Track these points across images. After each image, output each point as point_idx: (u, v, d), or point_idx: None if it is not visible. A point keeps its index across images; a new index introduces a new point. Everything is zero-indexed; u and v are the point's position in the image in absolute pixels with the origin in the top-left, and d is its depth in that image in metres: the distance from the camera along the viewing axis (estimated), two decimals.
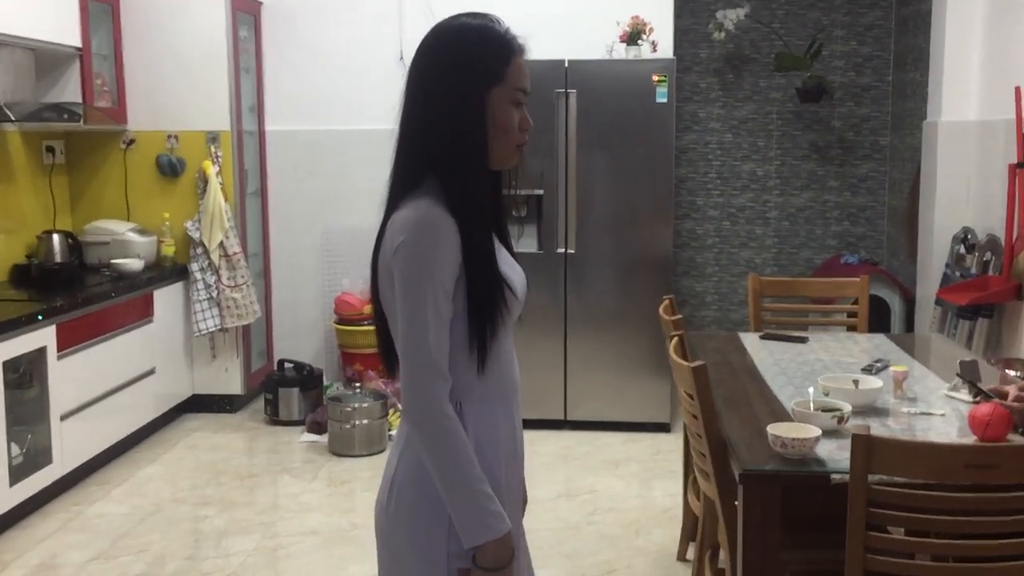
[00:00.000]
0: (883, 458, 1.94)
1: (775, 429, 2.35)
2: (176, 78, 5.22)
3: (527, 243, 5.15)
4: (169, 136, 5.24)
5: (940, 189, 5.04)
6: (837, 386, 2.72)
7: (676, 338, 2.86)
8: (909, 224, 5.92)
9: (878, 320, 5.95)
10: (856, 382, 2.75)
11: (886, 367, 3.13)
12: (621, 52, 5.18)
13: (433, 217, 1.58)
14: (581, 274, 5.10)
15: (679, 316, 3.23)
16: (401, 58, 5.59)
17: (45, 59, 4.70)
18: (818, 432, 2.33)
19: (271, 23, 5.67)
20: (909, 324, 5.95)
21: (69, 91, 4.80)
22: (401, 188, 1.65)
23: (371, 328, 5.32)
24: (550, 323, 5.13)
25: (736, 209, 7.00)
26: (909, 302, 5.92)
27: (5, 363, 3.85)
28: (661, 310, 3.35)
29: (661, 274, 5.12)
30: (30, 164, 4.98)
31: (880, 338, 3.66)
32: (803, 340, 3.60)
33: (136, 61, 5.22)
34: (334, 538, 3.86)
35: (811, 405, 2.57)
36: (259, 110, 5.70)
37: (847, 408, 2.54)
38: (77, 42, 4.74)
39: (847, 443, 2.04)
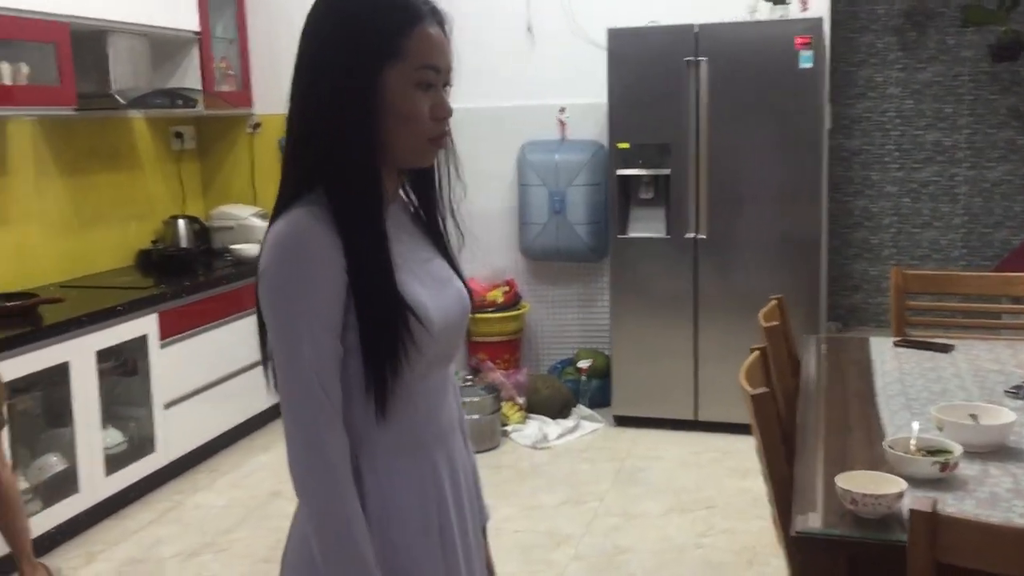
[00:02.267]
0: (954, 543, 1.45)
1: (846, 480, 1.87)
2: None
3: (653, 227, 4.70)
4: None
5: None
6: (953, 419, 2.18)
7: (756, 353, 2.39)
8: None
9: None
10: (975, 416, 2.19)
11: None
12: (765, 13, 4.61)
13: (302, 232, 1.26)
14: (714, 261, 4.61)
15: (775, 323, 2.74)
16: (529, 30, 5.25)
17: (164, 45, 4.70)
18: (902, 487, 1.84)
19: None
20: None
21: (189, 77, 4.79)
22: (283, 198, 1.33)
23: (496, 315, 5.06)
24: (679, 314, 4.67)
25: (918, 184, 6.21)
26: None
27: (107, 351, 3.87)
28: (761, 314, 2.86)
29: (808, 259, 4.54)
30: (158, 150, 5.04)
31: None
32: (946, 349, 3.00)
33: (261, 44, 5.17)
34: None
35: (912, 444, 2.06)
36: None
37: (956, 451, 2.01)
38: (195, 27, 4.72)
39: (953, 497, 1.57)
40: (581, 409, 4.98)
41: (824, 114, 4.71)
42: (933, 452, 2.04)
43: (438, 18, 1.34)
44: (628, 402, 4.82)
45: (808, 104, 4.40)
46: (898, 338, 3.19)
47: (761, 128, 4.46)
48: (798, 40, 4.32)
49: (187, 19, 4.67)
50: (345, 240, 1.26)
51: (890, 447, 2.05)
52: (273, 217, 1.32)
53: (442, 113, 1.33)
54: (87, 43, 4.15)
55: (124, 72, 4.35)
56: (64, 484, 3.71)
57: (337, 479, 1.25)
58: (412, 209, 1.46)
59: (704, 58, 4.46)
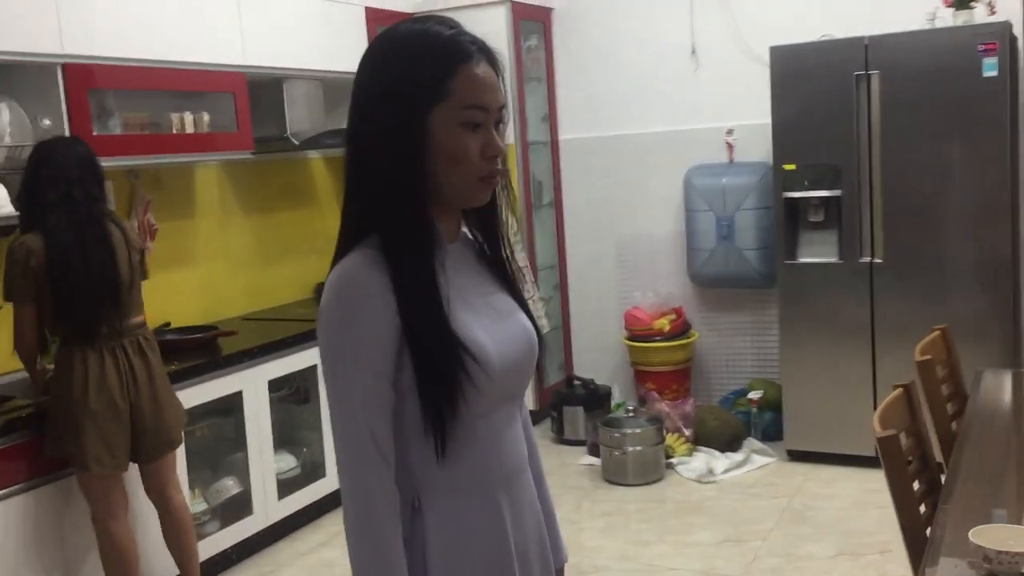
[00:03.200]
0: None
1: (981, 535, 1.69)
2: None
3: (824, 252, 4.46)
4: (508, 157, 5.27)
5: None
6: None
7: (898, 391, 2.20)
8: None
9: None
10: None
11: None
12: (947, 20, 4.30)
13: (352, 276, 1.27)
14: (892, 286, 4.31)
15: (928, 357, 2.52)
16: (693, 52, 5.15)
17: (337, 89, 4.94)
18: None
19: (562, 28, 5.50)
20: None
21: None
22: (341, 244, 1.35)
23: (663, 344, 4.98)
24: (854, 343, 4.39)
25: None
26: None
27: (279, 380, 4.09)
28: (919, 347, 2.64)
29: (1000, 284, 4.17)
30: (335, 188, 5.29)
31: None
32: None
33: None
34: None
35: None
36: (551, 119, 5.57)
37: None
38: None
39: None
40: (752, 442, 4.77)
41: (1018, 123, 4.33)
42: None
43: (488, 57, 1.33)
44: (801, 435, 4.58)
45: (994, 114, 4.05)
46: None
47: (940, 143, 4.15)
48: (981, 46, 4.00)
49: (354, 62, 4.88)
50: (396, 282, 1.27)
51: None
52: (333, 263, 1.35)
53: (492, 152, 1.32)
54: (265, 90, 4.42)
55: (299, 116, 4.60)
56: (239, 506, 3.93)
57: (378, 529, 1.26)
58: (476, 246, 1.45)
59: (876, 71, 4.20)
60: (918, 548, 1.89)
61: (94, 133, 3.51)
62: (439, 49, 1.30)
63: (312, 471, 4.29)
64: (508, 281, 1.45)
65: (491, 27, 5.10)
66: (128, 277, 3.13)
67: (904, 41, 4.18)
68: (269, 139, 4.47)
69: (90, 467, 3.00)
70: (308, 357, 4.17)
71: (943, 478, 2.20)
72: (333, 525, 4.25)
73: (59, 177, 2.99)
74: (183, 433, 3.39)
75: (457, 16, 5.59)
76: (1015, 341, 4.29)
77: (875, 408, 4.32)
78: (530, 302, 5.05)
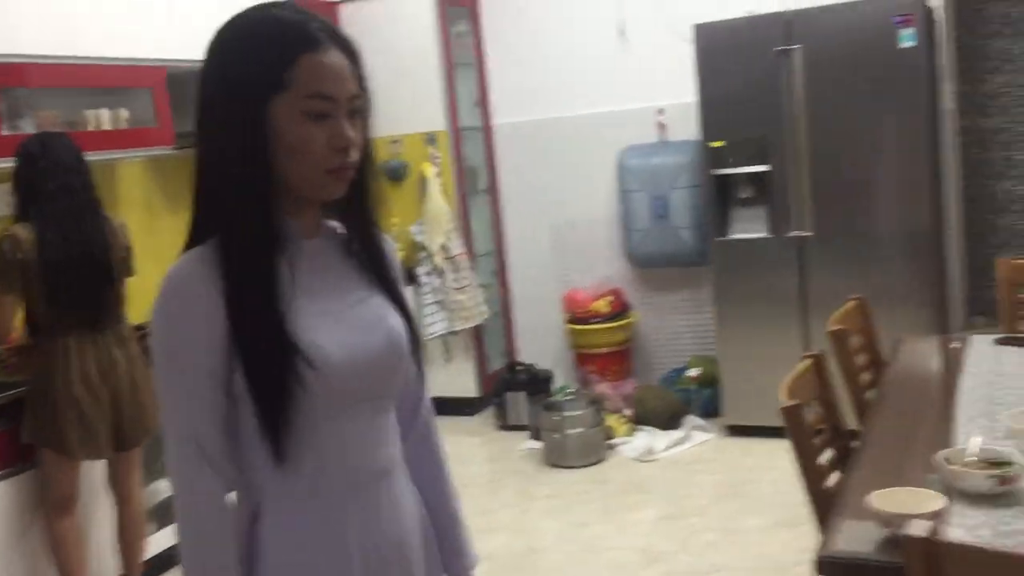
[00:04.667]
0: (956, 574, 1.28)
1: (881, 499, 1.70)
2: (393, 82, 5.17)
3: (755, 226, 4.49)
4: (392, 141, 5.24)
5: None
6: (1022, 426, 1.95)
7: (807, 360, 2.21)
8: None
9: None
10: None
11: None
12: None
13: (181, 276, 1.22)
14: (821, 259, 4.35)
15: (839, 327, 2.54)
16: (622, 32, 5.14)
17: None
18: (938, 504, 1.65)
19: (490, 12, 5.47)
20: None
21: None
22: (190, 240, 1.29)
23: (603, 326, 4.97)
24: (787, 316, 4.43)
25: None
26: None
27: None
28: (832, 317, 2.66)
29: (931, 252, 4.24)
30: None
31: None
32: None
33: None
34: (508, 566, 3.59)
35: (970, 456, 1.86)
36: (484, 104, 5.53)
37: (1020, 463, 1.80)
38: None
39: (1011, 514, 1.40)
40: (692, 419, 4.81)
41: (940, 93, 4.39)
42: (996, 464, 1.83)
43: (339, 44, 1.26)
44: (739, 411, 4.61)
45: (914, 85, 4.10)
46: (1003, 335, 2.90)
47: (864, 115, 4.20)
48: (897, 18, 4.03)
49: None
50: (226, 281, 1.22)
51: (945, 459, 1.85)
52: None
53: (340, 143, 1.25)
54: (186, 85, 4.34)
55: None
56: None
57: (203, 533, 1.23)
58: (344, 242, 1.38)
59: (798, 46, 4.23)
60: (824, 514, 1.91)
61: (3, 133, 3.42)
62: (281, 36, 1.24)
63: None
64: (382, 277, 1.39)
65: (417, 13, 5.07)
66: (117, 268, 3.24)
67: (824, 15, 4.21)
68: (190, 134, 4.38)
69: (72, 452, 3.08)
70: None
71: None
72: None
73: (58, 167, 3.10)
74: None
75: (383, 3, 5.57)
76: (941, 308, 4.35)
77: None
78: (469, 289, 4.97)
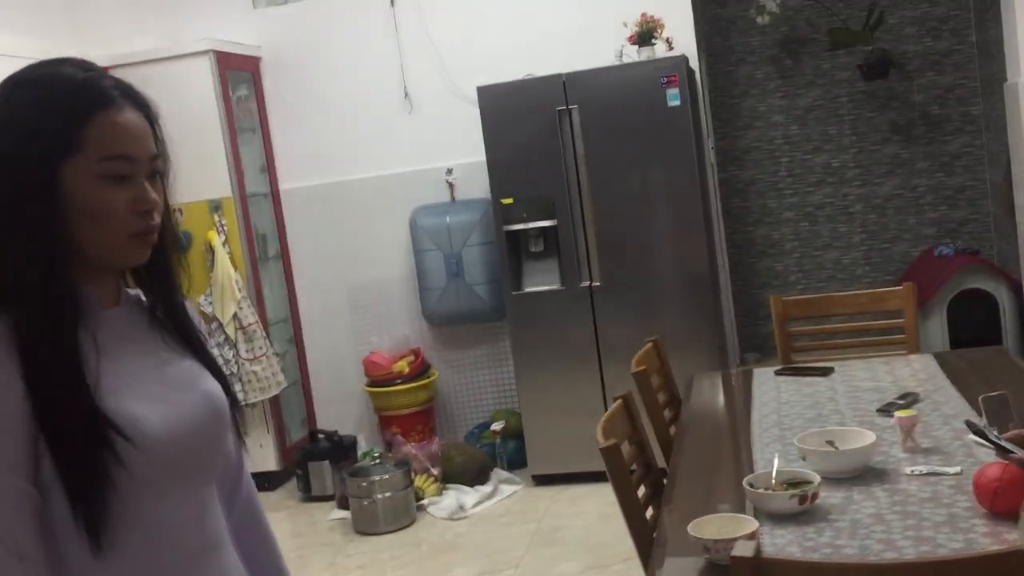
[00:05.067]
0: None
1: (698, 526, 1.80)
2: (173, 148, 4.99)
3: (547, 279, 4.65)
4: (173, 210, 5.02)
5: None
6: (812, 447, 2.12)
7: (619, 401, 2.32)
8: (1008, 202, 5.09)
9: (986, 321, 5.14)
10: (831, 441, 2.13)
11: (912, 404, 2.50)
12: (633, 56, 4.65)
13: None
14: (611, 307, 4.56)
15: (642, 368, 2.68)
16: (406, 96, 5.23)
17: None
18: (752, 527, 1.76)
19: (272, 77, 5.41)
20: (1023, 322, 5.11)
21: None
22: None
23: (404, 387, 4.92)
24: (583, 365, 4.59)
25: (814, 207, 6.28)
26: (1020, 294, 5.08)
27: None
28: (634, 359, 2.79)
29: (704, 295, 4.51)
30: None
31: (926, 360, 2.98)
32: (826, 372, 2.96)
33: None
34: None
35: (772, 479, 1.99)
36: (270, 170, 5.44)
37: (815, 481, 1.95)
38: None
39: (813, 529, 1.49)
40: (499, 473, 4.85)
41: (704, 148, 4.74)
42: (795, 484, 1.97)
43: (135, 102, 1.22)
44: (544, 460, 4.71)
45: (681, 140, 4.41)
46: (781, 367, 3.15)
47: (638, 169, 4.47)
48: (664, 79, 4.35)
49: None
50: (24, 360, 1.12)
51: (749, 484, 1.98)
52: None
53: (144, 206, 1.19)
54: None
55: None
56: None
57: None
58: (149, 309, 1.32)
59: (575, 106, 4.46)
60: (647, 551, 1.98)
61: None
62: (70, 94, 1.17)
63: None
64: (191, 342, 1.33)
65: (197, 78, 4.93)
66: None
67: (597, 77, 4.46)
68: None
69: None
70: None
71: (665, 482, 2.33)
72: None
73: None
74: None
75: (160, 68, 5.39)
76: (719, 346, 4.65)
77: None
78: (264, 359, 4.78)
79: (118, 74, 4.24)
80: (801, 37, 6.10)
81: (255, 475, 5.14)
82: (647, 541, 1.98)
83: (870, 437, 2.13)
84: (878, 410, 2.50)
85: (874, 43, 5.66)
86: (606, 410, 4.53)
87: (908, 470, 2.07)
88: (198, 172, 4.99)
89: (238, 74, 5.21)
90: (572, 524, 4.22)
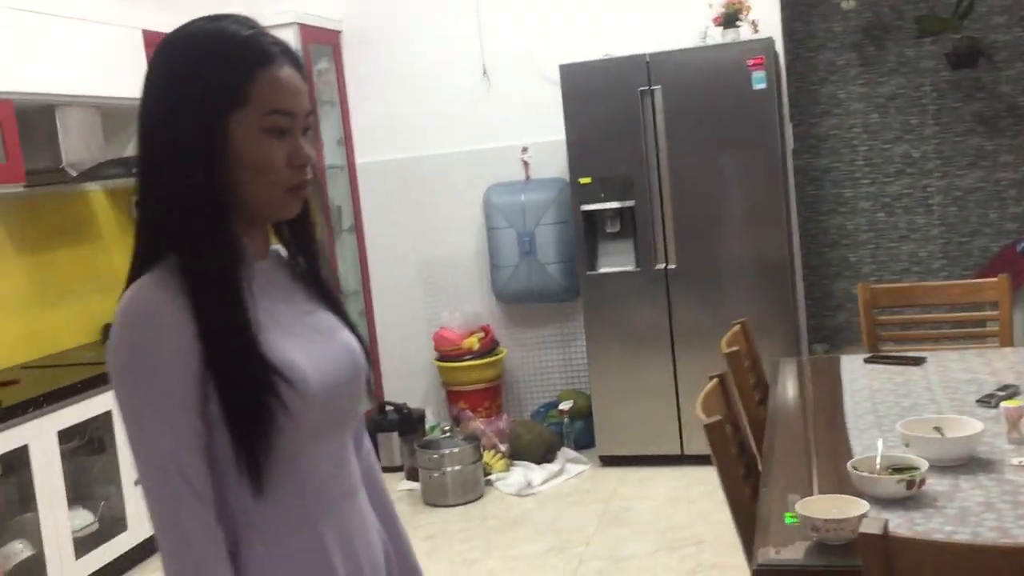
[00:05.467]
0: (909, 566, 1.35)
1: (806, 506, 1.78)
2: None
3: (623, 261, 4.64)
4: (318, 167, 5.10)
5: None
6: (919, 433, 2.09)
7: (715, 380, 2.30)
8: None
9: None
10: (939, 428, 2.10)
11: (1014, 395, 2.44)
12: (717, 37, 4.59)
13: (144, 303, 1.15)
14: (686, 291, 4.53)
15: (735, 348, 2.66)
16: (484, 73, 5.23)
17: (116, 115, 4.66)
18: (863, 509, 1.75)
19: (352, 51, 5.45)
20: None
21: None
22: (135, 265, 1.23)
23: (474, 363, 4.96)
24: (656, 347, 4.57)
25: (891, 198, 6.16)
26: None
27: (69, 430, 3.78)
28: (724, 340, 2.78)
29: (780, 282, 4.46)
30: (119, 222, 4.97)
31: (1020, 353, 2.91)
32: (918, 362, 2.91)
33: None
34: None
35: (877, 464, 1.97)
36: (347, 143, 5.49)
37: (923, 467, 1.92)
38: None
39: (922, 515, 1.48)
40: (566, 452, 4.86)
41: (785, 133, 4.67)
42: (900, 470, 1.95)
43: (291, 59, 1.25)
44: (613, 441, 4.71)
45: (765, 125, 4.36)
46: (869, 355, 3.11)
47: (720, 152, 4.42)
48: (750, 61, 4.29)
49: (136, 87, 4.61)
50: (195, 305, 1.16)
51: (854, 468, 1.96)
52: (124, 290, 1.21)
53: (300, 160, 1.23)
54: (36, 118, 4.10)
55: (75, 145, 4.29)
56: (32, 571, 3.59)
57: (202, 571, 1.14)
58: (290, 264, 1.36)
59: (658, 87, 4.42)
60: (748, 530, 1.97)
61: None
62: (237, 50, 1.21)
63: (112, 526, 3.98)
64: (328, 298, 1.37)
65: None
66: None
67: (682, 57, 4.42)
68: (42, 171, 4.14)
69: None
70: (100, 403, 3.87)
71: (759, 463, 2.31)
72: None
73: None
74: None
75: None
76: (790, 335, 4.58)
77: (678, 409, 4.53)
78: None
79: None
80: (885, 24, 5.97)
81: None
82: (749, 521, 1.97)
83: (977, 426, 2.09)
84: (978, 401, 2.45)
85: (963, 31, 5.52)
86: (677, 394, 4.55)
87: (1015, 461, 2.03)
88: None
89: (320, 47, 5.25)
90: (641, 506, 4.22)
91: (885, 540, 1.35)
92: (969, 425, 2.10)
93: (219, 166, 1.19)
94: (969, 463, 2.04)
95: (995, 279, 3.23)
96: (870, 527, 1.36)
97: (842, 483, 2.01)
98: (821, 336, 6.27)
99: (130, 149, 4.73)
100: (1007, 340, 3.17)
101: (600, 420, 4.72)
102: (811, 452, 2.22)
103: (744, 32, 4.56)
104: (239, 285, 1.20)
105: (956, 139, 5.97)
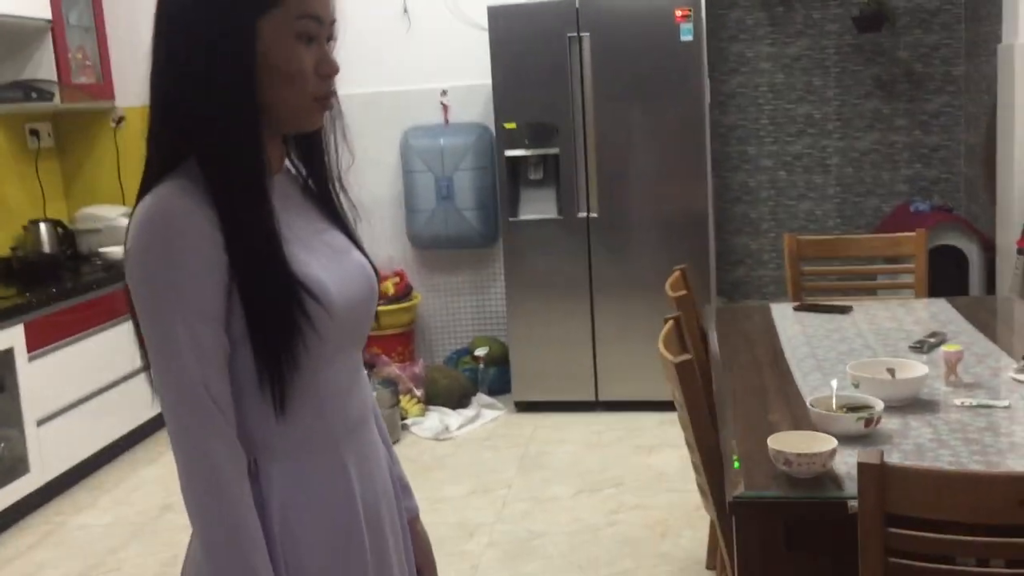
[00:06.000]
0: (903, 493, 1.42)
1: (777, 441, 1.84)
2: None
3: (544, 208, 4.65)
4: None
5: (1020, 121, 4.36)
6: (869, 375, 2.18)
7: (671, 322, 2.34)
8: (988, 163, 5.23)
9: (956, 276, 5.30)
10: (892, 370, 2.20)
11: (942, 343, 2.58)
12: None
13: (169, 208, 1.10)
14: (607, 239, 4.58)
15: (683, 292, 2.71)
16: (405, 12, 5.11)
17: (13, 34, 4.36)
18: (832, 444, 1.82)
19: None
20: (990, 280, 5.27)
21: (44, 68, 4.46)
22: (149, 176, 1.17)
23: (387, 308, 4.89)
24: (574, 295, 4.62)
25: (792, 157, 6.35)
26: (991, 253, 5.24)
27: None
28: (668, 284, 2.83)
29: (697, 235, 4.57)
30: (12, 150, 4.67)
31: (941, 304, 3.07)
32: (845, 311, 3.04)
33: (120, 32, 4.85)
34: None
35: (833, 403, 2.05)
36: None
37: (878, 407, 2.01)
38: (47, 14, 4.39)
39: (886, 451, 1.54)
40: (481, 398, 4.89)
41: (705, 88, 4.75)
42: (854, 409, 2.03)
43: None
44: (528, 387, 4.76)
45: (690, 78, 4.42)
46: (797, 303, 3.22)
47: (646, 103, 4.46)
48: (678, 13, 4.33)
49: (36, 6, 4.33)
50: (222, 214, 1.11)
51: (812, 406, 2.03)
52: (139, 198, 1.16)
53: (328, 69, 1.20)
54: None
55: None
56: None
57: (225, 489, 1.10)
58: (301, 180, 1.32)
59: (586, 34, 4.42)
60: (715, 467, 2.03)
61: None
62: None
63: (12, 468, 3.79)
64: (338, 218, 1.33)
65: None
66: None
67: (610, 4, 4.41)
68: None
69: None
70: (2, 340, 3.67)
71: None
72: (41, 524, 3.80)
73: None
74: None
75: None
76: (708, 286, 4.69)
77: (594, 356, 4.59)
78: None
79: None
80: None
81: None
82: (714, 459, 2.02)
83: (922, 369, 2.20)
84: (911, 347, 2.58)
85: None
86: (593, 342, 4.61)
87: (958, 402, 2.14)
88: None
89: None
90: (559, 450, 4.28)
91: (882, 469, 1.40)
92: (916, 368, 2.21)
93: (253, 65, 1.14)
94: (913, 404, 2.14)
95: (913, 234, 3.38)
96: (868, 457, 1.41)
97: (797, 421, 2.09)
98: (721, 289, 6.46)
99: (30, 71, 4.44)
100: (921, 292, 3.33)
101: (516, 366, 4.75)
102: (761, 393, 2.29)
103: None
104: (268, 195, 1.16)
105: (855, 102, 6.19)
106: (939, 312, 2.96)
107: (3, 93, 4.09)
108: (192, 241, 1.09)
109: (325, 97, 1.21)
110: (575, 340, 4.65)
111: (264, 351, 1.13)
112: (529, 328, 4.69)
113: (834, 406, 2.04)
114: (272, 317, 1.12)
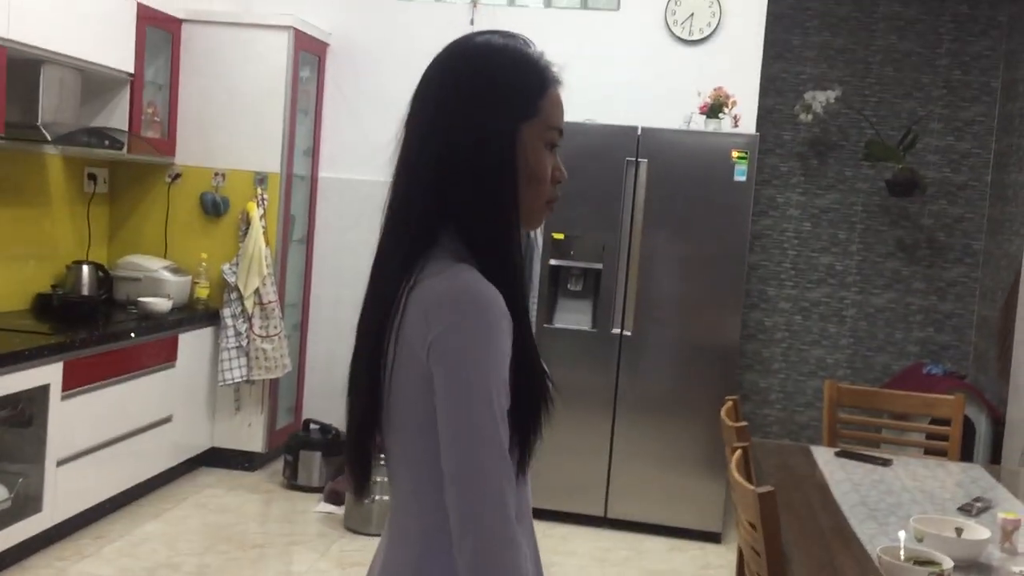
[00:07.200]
0: None
1: None
2: (230, 114, 4.98)
3: (580, 320, 4.74)
4: (216, 173, 4.99)
5: None
6: (934, 531, 2.25)
7: (739, 451, 2.41)
8: (1002, 337, 5.39)
9: (962, 443, 5.39)
10: (959, 529, 2.27)
11: (987, 508, 2.65)
12: (700, 124, 4.82)
13: (486, 292, 1.23)
14: (636, 358, 4.67)
15: (744, 423, 2.79)
16: None
17: (94, 82, 4.50)
18: None
19: (335, 65, 5.43)
20: (996, 450, 5.37)
21: (116, 118, 4.59)
22: (412, 246, 1.30)
23: None
24: (597, 408, 4.68)
25: (810, 304, 6.52)
26: (997, 424, 5.35)
27: (1, 399, 3.56)
28: (723, 412, 2.90)
29: (724, 367, 4.66)
30: (69, 191, 4.76)
31: (976, 470, 3.16)
32: (886, 463, 3.11)
33: (191, 93, 5.00)
34: None
35: (901, 554, 2.11)
36: (314, 154, 5.44)
37: (947, 564, 2.07)
38: (130, 68, 4.53)
39: None
40: None
41: (748, 229, 4.92)
42: (922, 563, 2.09)
43: (560, 82, 1.35)
44: (538, 494, 4.74)
45: (738, 216, 4.58)
46: (837, 449, 3.29)
47: (692, 233, 4.61)
48: (735, 153, 4.52)
49: (123, 59, 4.48)
50: (511, 305, 1.25)
51: (882, 555, 2.09)
52: (405, 264, 1.29)
53: (561, 176, 1.35)
54: (19, 72, 3.91)
55: (53, 105, 4.11)
56: None
57: (519, 546, 1.21)
58: None
59: (644, 159, 4.59)
60: None
61: None
62: (536, 66, 1.32)
63: (26, 505, 3.75)
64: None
65: (272, 51, 4.93)
66: None
67: (672, 136, 4.61)
68: (17, 125, 3.95)
69: None
70: (34, 376, 3.67)
71: None
72: (43, 568, 3.73)
73: None
74: None
75: (238, 34, 5.52)
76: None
77: (609, 471, 4.62)
78: (276, 339, 4.84)
79: (187, 30, 4.53)
80: (830, 141, 6.38)
81: (240, 453, 5.21)
82: None
83: (985, 532, 2.26)
84: (959, 508, 2.64)
85: (904, 162, 5.95)
86: (610, 457, 4.65)
87: (1016, 569, 2.21)
88: (251, 143, 4.99)
89: (306, 55, 5.21)
90: (566, 562, 4.27)
91: None
92: (980, 531, 2.27)
93: (515, 165, 1.27)
94: (973, 566, 2.20)
95: (951, 397, 3.49)
96: None
97: (863, 567, 2.14)
98: None
99: (103, 119, 4.56)
100: (954, 454, 3.41)
101: (531, 472, 4.75)
102: (821, 535, 2.35)
103: (725, 124, 4.80)
104: (527, 291, 1.28)
105: (877, 259, 6.40)
106: (978, 477, 3.04)
107: (78, 136, 4.19)
108: (505, 323, 1.22)
109: (553, 201, 1.34)
110: (591, 452, 4.68)
111: (522, 424, 1.26)
112: (548, 434, 4.71)
113: (902, 557, 2.09)
114: (533, 395, 1.27)
